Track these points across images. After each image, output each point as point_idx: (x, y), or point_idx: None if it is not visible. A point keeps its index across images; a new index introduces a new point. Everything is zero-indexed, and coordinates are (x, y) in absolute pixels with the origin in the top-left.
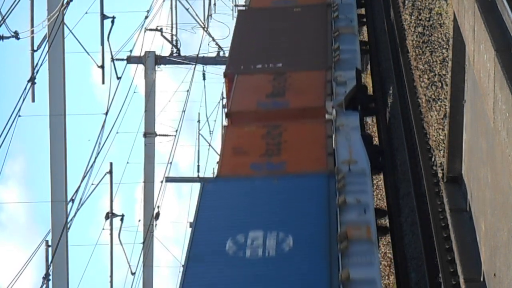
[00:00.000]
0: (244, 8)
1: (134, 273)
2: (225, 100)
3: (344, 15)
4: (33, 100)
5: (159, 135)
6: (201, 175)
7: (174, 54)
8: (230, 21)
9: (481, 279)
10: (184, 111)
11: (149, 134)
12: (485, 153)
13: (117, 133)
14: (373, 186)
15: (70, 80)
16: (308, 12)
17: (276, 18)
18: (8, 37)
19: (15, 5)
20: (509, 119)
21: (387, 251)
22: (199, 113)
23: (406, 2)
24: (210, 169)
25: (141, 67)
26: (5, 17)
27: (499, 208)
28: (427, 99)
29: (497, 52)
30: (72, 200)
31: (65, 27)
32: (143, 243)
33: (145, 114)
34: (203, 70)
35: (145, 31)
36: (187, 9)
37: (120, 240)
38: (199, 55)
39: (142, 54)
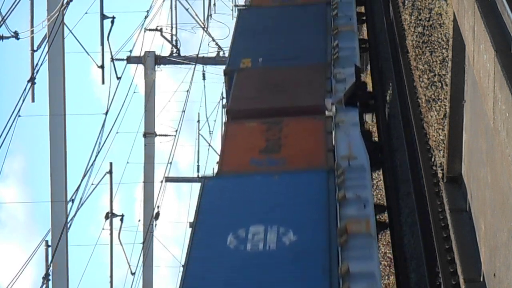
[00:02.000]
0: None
1: (134, 273)
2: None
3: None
4: (33, 100)
5: (159, 135)
6: (201, 175)
7: (174, 54)
8: (230, 21)
9: (481, 279)
10: (184, 111)
11: (149, 134)
12: (485, 153)
13: (117, 133)
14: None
15: (70, 80)
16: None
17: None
18: (8, 37)
19: (15, 5)
20: (509, 119)
21: (387, 251)
22: (199, 113)
23: (406, 2)
24: (210, 169)
25: (141, 67)
26: (5, 17)
27: (499, 209)
28: (427, 99)
29: (497, 52)
30: (72, 200)
31: (65, 27)
32: (143, 243)
33: (145, 114)
34: (203, 70)
35: (145, 31)
36: (187, 9)
37: (120, 240)
38: (199, 55)
39: (142, 54)
